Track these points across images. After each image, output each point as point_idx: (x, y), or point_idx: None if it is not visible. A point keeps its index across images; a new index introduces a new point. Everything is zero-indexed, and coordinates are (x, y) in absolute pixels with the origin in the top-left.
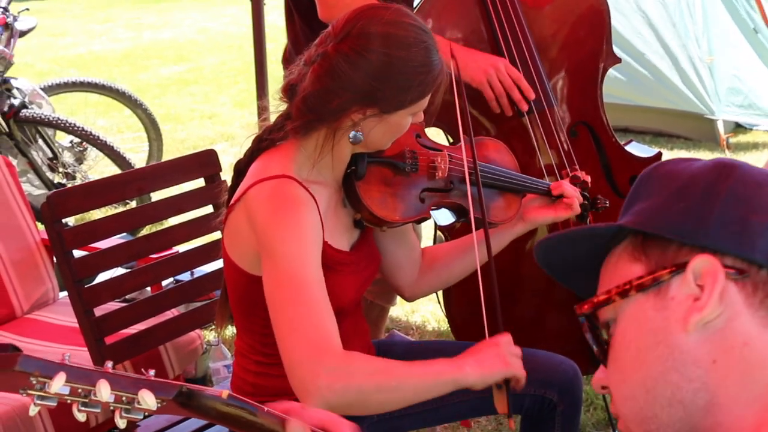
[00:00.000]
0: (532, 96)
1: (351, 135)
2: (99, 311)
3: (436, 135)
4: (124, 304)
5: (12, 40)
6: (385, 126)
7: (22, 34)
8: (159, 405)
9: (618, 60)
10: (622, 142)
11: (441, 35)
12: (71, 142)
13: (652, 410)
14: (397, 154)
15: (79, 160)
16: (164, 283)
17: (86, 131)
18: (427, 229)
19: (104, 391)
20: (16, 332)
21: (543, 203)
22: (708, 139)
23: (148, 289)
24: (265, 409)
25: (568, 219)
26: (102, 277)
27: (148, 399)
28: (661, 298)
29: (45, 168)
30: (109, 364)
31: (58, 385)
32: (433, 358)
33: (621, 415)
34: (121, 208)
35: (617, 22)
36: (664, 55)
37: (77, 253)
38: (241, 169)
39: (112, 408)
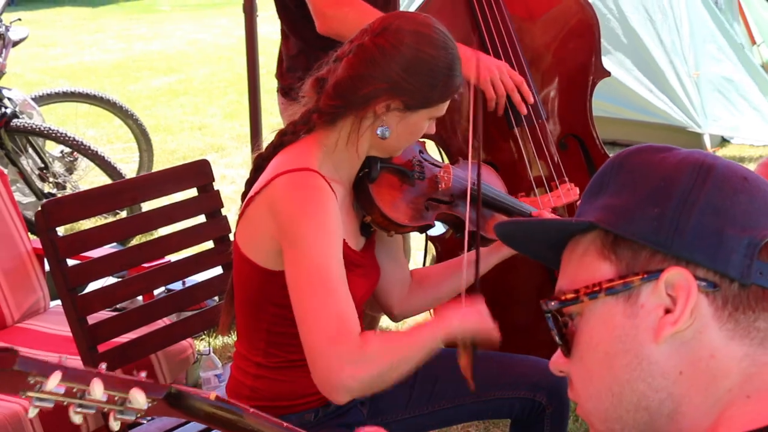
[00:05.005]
0: (531, 100)
1: (378, 131)
2: (91, 320)
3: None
4: (115, 313)
5: (4, 50)
6: (405, 125)
7: (14, 44)
8: (149, 404)
9: (607, 73)
10: (611, 155)
11: None
12: (62, 152)
13: (617, 413)
14: (405, 163)
15: (70, 170)
16: (156, 292)
17: (77, 141)
18: (417, 241)
19: (98, 390)
20: (8, 341)
21: None
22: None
23: (140, 298)
24: (251, 411)
25: None
26: (93, 286)
27: (139, 398)
28: (630, 304)
29: (35, 177)
30: (103, 365)
31: (54, 383)
32: (433, 369)
33: (584, 410)
34: (111, 218)
35: (604, 36)
36: (650, 71)
37: (70, 263)
38: (260, 163)
39: (106, 410)
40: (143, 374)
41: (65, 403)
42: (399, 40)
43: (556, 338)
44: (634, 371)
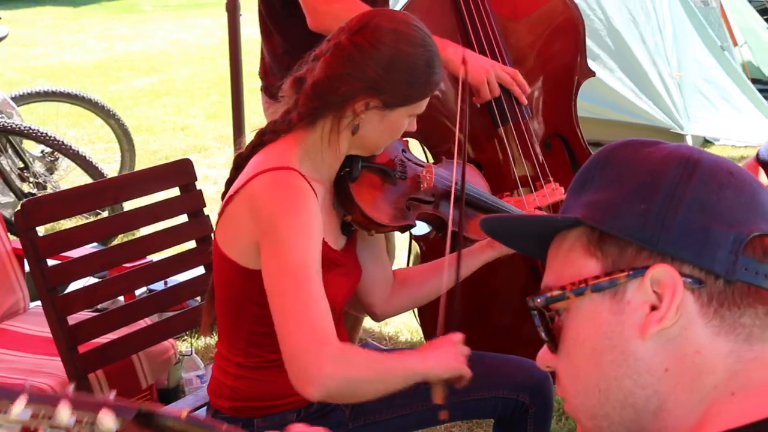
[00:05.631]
0: (527, 90)
1: (355, 127)
2: (72, 320)
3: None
4: (96, 314)
5: None
6: (384, 124)
7: None
8: (119, 426)
9: (592, 73)
10: None
11: None
12: (42, 151)
13: (604, 409)
14: (387, 162)
15: (50, 170)
16: (137, 292)
17: (58, 141)
18: (401, 240)
19: (65, 414)
20: None
21: None
22: None
23: (122, 298)
24: (224, 427)
25: None
26: (74, 286)
27: (107, 420)
28: (617, 301)
29: (15, 177)
30: (70, 387)
31: (19, 409)
32: None
33: (572, 407)
34: (92, 218)
35: (588, 38)
36: (634, 72)
37: (50, 262)
38: (240, 163)
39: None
40: (112, 393)
41: (32, 427)
42: (377, 39)
43: (543, 334)
44: (620, 368)
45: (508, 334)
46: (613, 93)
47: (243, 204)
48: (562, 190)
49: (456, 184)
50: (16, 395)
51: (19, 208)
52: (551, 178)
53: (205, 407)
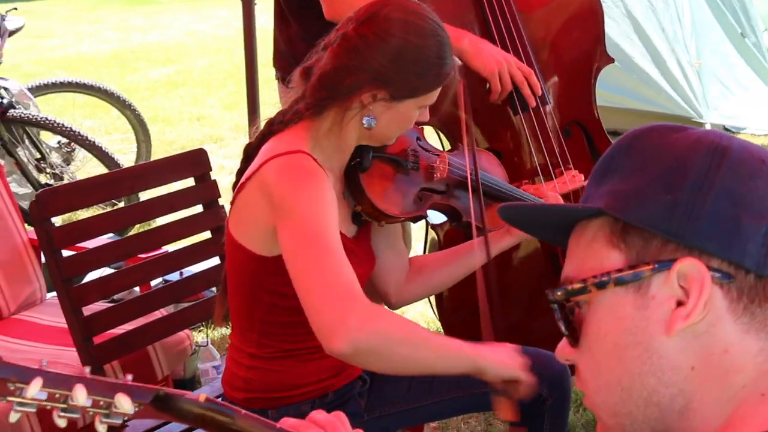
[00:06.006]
0: (539, 92)
1: (364, 121)
2: (87, 311)
3: (429, 135)
4: (112, 304)
5: (0, 40)
6: (393, 114)
7: (10, 34)
8: (136, 409)
9: (611, 60)
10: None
11: None
12: (59, 142)
13: (627, 407)
14: (399, 152)
15: (67, 160)
16: (153, 283)
17: (74, 131)
18: (417, 231)
19: (81, 396)
20: (4, 333)
21: None
22: None
23: (137, 289)
24: (243, 412)
25: None
26: (90, 277)
27: (124, 403)
28: (641, 295)
29: (32, 168)
30: (87, 369)
31: (35, 390)
32: None
33: (593, 403)
34: (108, 209)
35: (607, 26)
36: (652, 60)
37: (66, 253)
38: (250, 153)
39: (91, 413)
40: (129, 377)
41: (48, 407)
42: (384, 30)
43: (563, 327)
44: (644, 365)
45: (527, 324)
46: (631, 81)
47: (255, 190)
48: (582, 177)
49: (471, 174)
50: (32, 376)
51: (33, 198)
52: (571, 165)
53: (220, 398)
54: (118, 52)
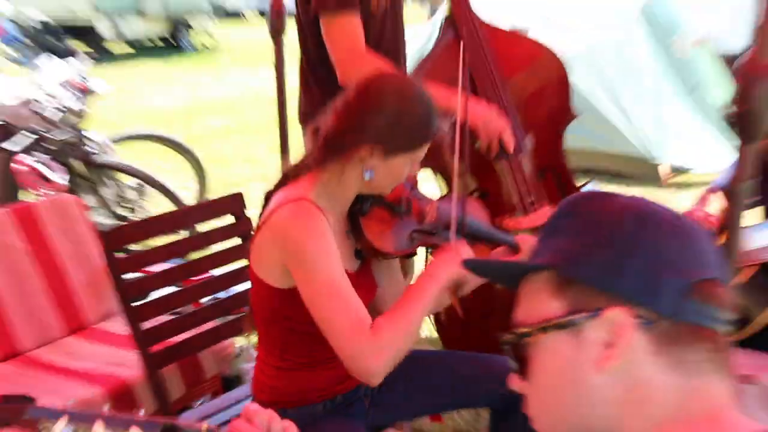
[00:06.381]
0: (512, 146)
1: (366, 174)
2: (148, 324)
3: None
4: (172, 317)
5: (88, 100)
6: (387, 168)
7: (96, 96)
8: None
9: (575, 116)
10: (582, 182)
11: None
12: (134, 182)
13: (564, 430)
14: (395, 199)
15: (140, 197)
16: (203, 300)
17: (145, 174)
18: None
19: (99, 431)
20: (86, 338)
21: (509, 254)
22: (653, 179)
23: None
24: None
25: None
26: (154, 295)
27: None
28: (576, 338)
29: (112, 203)
30: (106, 407)
31: (60, 427)
32: (428, 366)
33: (538, 424)
34: (173, 237)
35: (582, 82)
36: (615, 109)
37: (134, 275)
38: (268, 197)
39: None
40: (141, 411)
41: None
42: (380, 97)
43: (513, 364)
44: (579, 397)
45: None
46: (601, 128)
47: (268, 234)
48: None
49: (456, 218)
50: (59, 415)
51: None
52: (544, 202)
53: (250, 400)
54: (186, 105)
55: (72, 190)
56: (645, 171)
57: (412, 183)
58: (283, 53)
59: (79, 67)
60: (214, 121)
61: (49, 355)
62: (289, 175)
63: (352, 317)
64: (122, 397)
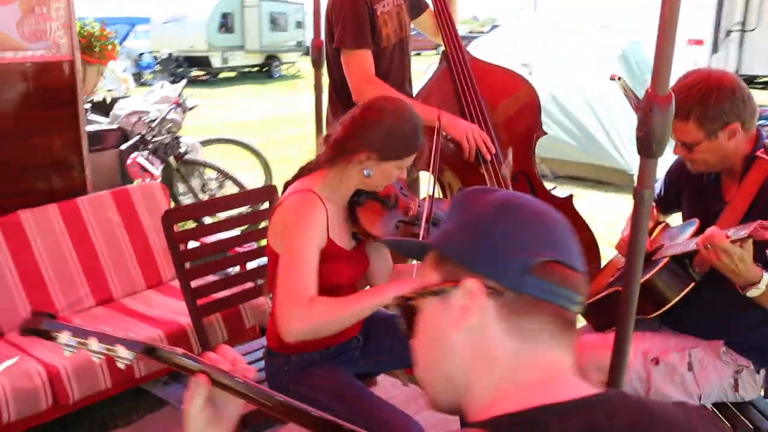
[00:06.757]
0: (493, 150)
1: (366, 171)
2: (195, 283)
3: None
4: (216, 278)
5: (183, 113)
6: (380, 170)
7: (189, 109)
8: (134, 356)
9: (545, 132)
10: (550, 187)
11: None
12: (215, 176)
13: (434, 382)
14: (386, 195)
15: (220, 187)
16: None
17: (223, 170)
18: None
19: (94, 344)
20: (161, 292)
21: None
22: (627, 185)
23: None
24: (206, 362)
25: None
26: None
27: (121, 351)
28: (444, 303)
29: (198, 192)
30: (104, 328)
31: (66, 337)
32: None
33: (418, 376)
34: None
35: (576, 108)
36: (600, 129)
37: (193, 244)
38: (287, 186)
39: (108, 356)
40: (131, 334)
41: (77, 350)
42: (378, 116)
43: (403, 325)
44: (443, 353)
45: None
46: (585, 143)
47: (279, 215)
48: None
49: (428, 212)
50: (64, 328)
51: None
52: None
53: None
54: (269, 118)
55: (167, 180)
56: (622, 179)
57: (402, 184)
58: (321, 80)
59: (178, 88)
60: (288, 130)
61: (132, 302)
62: (304, 170)
63: (298, 285)
64: (177, 339)
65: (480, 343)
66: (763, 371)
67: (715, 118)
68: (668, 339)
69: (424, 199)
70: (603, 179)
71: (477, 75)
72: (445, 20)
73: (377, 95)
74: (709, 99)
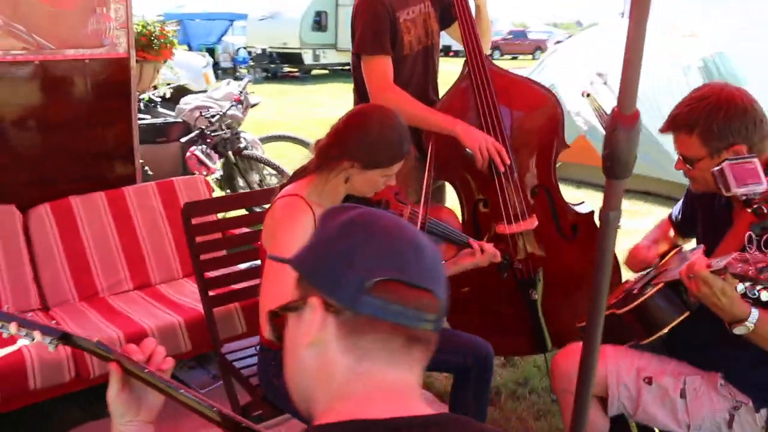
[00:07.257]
0: (508, 162)
1: (349, 179)
2: (211, 273)
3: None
4: (230, 270)
5: (245, 110)
6: (364, 178)
7: (252, 106)
8: (51, 340)
9: (568, 146)
10: (575, 203)
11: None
12: (272, 171)
13: (293, 392)
14: (376, 201)
15: (278, 183)
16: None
17: (279, 167)
18: None
19: (13, 328)
20: (193, 280)
21: (470, 253)
22: None
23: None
24: (121, 353)
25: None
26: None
27: (38, 336)
28: (298, 318)
29: (256, 186)
30: (28, 314)
31: None
32: None
33: (285, 378)
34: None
35: (647, 120)
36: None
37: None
38: (280, 189)
39: (31, 340)
40: (53, 322)
41: (2, 332)
42: (364, 124)
43: (275, 338)
44: (295, 365)
45: (493, 317)
46: (661, 157)
47: (270, 217)
48: (536, 221)
49: (423, 220)
50: None
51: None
52: (534, 213)
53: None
54: (324, 117)
55: (228, 173)
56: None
57: (397, 190)
58: None
59: (242, 85)
60: None
61: (167, 289)
62: (297, 174)
63: (278, 289)
64: (194, 326)
65: (322, 359)
66: (764, 410)
67: (721, 136)
68: (666, 362)
69: (418, 205)
70: (672, 195)
71: (500, 87)
72: (467, 30)
73: (365, 105)
74: (717, 115)
